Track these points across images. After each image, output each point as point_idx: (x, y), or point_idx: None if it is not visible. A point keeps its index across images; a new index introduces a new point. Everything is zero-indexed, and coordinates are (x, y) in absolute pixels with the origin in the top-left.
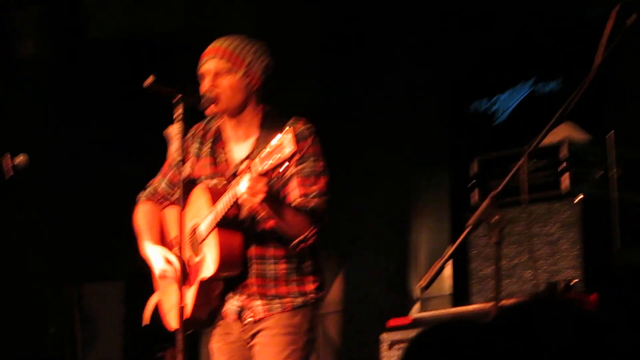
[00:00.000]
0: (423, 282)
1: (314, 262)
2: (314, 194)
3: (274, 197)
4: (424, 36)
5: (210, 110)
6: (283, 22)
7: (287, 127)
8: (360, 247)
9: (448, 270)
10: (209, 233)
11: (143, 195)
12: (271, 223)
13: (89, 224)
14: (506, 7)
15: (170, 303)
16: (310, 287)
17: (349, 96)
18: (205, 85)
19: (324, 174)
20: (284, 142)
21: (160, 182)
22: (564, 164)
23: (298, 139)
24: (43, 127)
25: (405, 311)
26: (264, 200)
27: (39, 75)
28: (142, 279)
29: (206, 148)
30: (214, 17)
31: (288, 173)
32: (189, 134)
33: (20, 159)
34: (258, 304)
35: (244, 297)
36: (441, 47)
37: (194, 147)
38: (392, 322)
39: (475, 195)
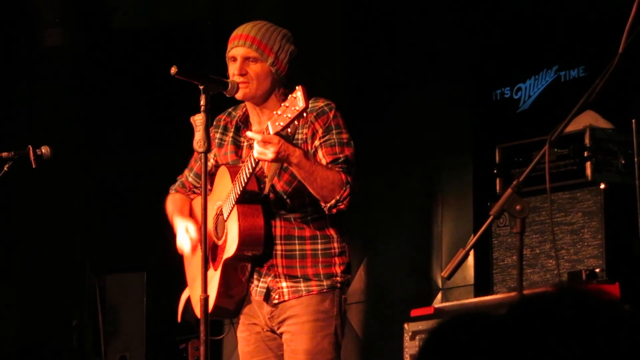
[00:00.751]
0: (445, 272)
1: (341, 244)
2: (341, 159)
3: (304, 156)
4: (446, 24)
5: (238, 95)
6: (308, 9)
7: (297, 87)
8: (383, 236)
9: (470, 259)
10: (231, 211)
11: (172, 188)
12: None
13: (111, 215)
14: None
15: (199, 293)
16: (337, 269)
17: (373, 85)
18: (234, 70)
19: (348, 145)
20: (294, 99)
21: (187, 176)
22: (587, 152)
23: (318, 114)
24: (68, 117)
25: (428, 301)
26: (279, 155)
27: (63, 65)
28: (164, 270)
29: (228, 137)
30: (238, 5)
31: (312, 147)
32: (213, 124)
33: (44, 150)
34: (284, 286)
35: (270, 278)
36: (464, 34)
37: (216, 138)
38: (415, 312)
39: (498, 184)
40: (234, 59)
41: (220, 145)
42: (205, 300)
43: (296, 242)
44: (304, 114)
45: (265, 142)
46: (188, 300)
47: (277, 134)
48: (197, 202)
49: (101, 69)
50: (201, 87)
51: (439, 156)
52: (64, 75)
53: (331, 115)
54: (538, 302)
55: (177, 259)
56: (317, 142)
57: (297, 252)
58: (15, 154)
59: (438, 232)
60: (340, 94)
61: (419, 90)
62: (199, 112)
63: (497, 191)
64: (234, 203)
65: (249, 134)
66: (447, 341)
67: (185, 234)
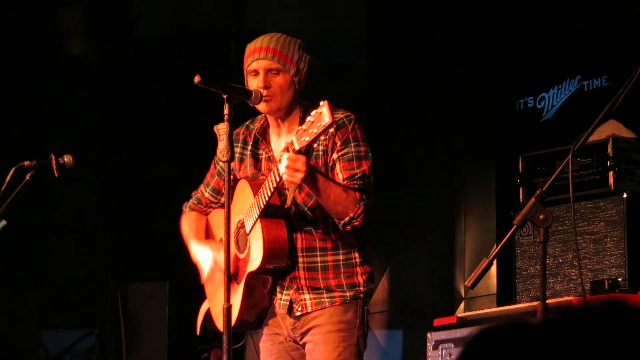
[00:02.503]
0: (469, 281)
1: (363, 253)
2: (357, 175)
3: (318, 173)
4: (470, 34)
5: (262, 109)
6: (332, 19)
7: (322, 102)
8: (406, 245)
9: (493, 269)
10: (254, 225)
11: (187, 206)
12: (316, 197)
13: (134, 224)
14: (554, 3)
15: (220, 306)
16: (360, 279)
17: (398, 96)
18: (258, 83)
19: (366, 157)
20: (320, 115)
21: (203, 192)
22: (610, 162)
23: (338, 126)
24: (91, 126)
25: (451, 310)
26: (305, 179)
27: (85, 74)
28: (187, 279)
29: (248, 151)
30: (261, 14)
31: (331, 160)
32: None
33: (67, 159)
34: (307, 298)
35: (292, 290)
36: (488, 44)
37: (236, 152)
38: (438, 322)
39: (521, 194)
40: (256, 72)
41: (242, 160)
42: (228, 309)
43: (318, 253)
44: (330, 130)
45: (293, 162)
46: (208, 312)
47: (301, 149)
48: (215, 215)
49: (124, 78)
50: (224, 96)
51: (463, 165)
52: (87, 84)
53: (350, 128)
54: (584, 313)
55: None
56: (335, 156)
57: (319, 264)
58: (38, 162)
59: (461, 241)
60: (364, 105)
61: (443, 100)
62: (222, 121)
63: (521, 200)
64: (257, 216)
65: (283, 154)
66: (484, 352)
67: (210, 263)
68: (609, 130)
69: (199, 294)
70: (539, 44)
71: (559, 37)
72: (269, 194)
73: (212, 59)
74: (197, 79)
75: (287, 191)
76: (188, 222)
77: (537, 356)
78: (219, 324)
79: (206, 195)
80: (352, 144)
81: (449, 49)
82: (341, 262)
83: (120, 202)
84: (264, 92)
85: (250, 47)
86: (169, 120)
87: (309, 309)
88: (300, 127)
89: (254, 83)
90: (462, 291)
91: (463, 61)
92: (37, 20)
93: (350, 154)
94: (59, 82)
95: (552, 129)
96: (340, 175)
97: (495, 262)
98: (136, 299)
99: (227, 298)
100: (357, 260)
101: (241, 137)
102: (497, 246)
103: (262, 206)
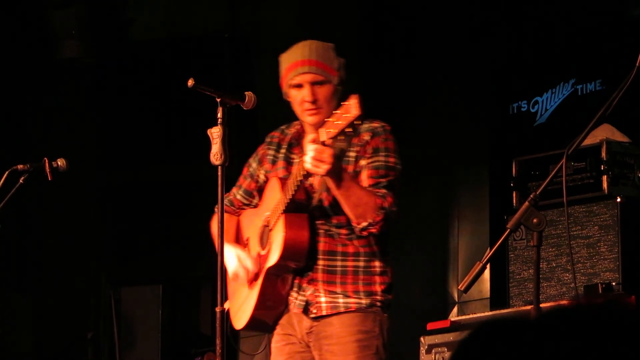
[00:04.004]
0: (462, 285)
1: (383, 263)
2: (382, 184)
3: (344, 172)
4: (463, 37)
5: (310, 121)
6: (326, 22)
7: (352, 95)
8: (399, 249)
9: (486, 273)
10: (277, 219)
11: (218, 207)
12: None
13: (128, 228)
14: (547, 7)
15: (237, 305)
16: (377, 288)
17: (390, 99)
18: (305, 97)
19: (394, 169)
20: (347, 107)
21: (235, 194)
22: (603, 166)
23: (373, 134)
24: (84, 129)
25: (444, 314)
26: (330, 172)
27: (79, 77)
28: (180, 283)
29: (281, 154)
30: (254, 18)
31: (359, 166)
32: (265, 142)
33: (60, 162)
34: (323, 301)
35: (309, 292)
36: (481, 48)
37: (269, 154)
38: (431, 325)
39: (514, 198)
40: (300, 85)
41: (274, 162)
42: (223, 312)
43: (339, 258)
44: (355, 123)
45: (319, 153)
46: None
47: (330, 146)
48: (246, 215)
49: (117, 81)
50: (218, 100)
51: (456, 169)
52: (80, 87)
53: (383, 138)
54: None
55: (193, 273)
56: (363, 162)
57: (339, 268)
58: (31, 166)
59: (454, 245)
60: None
61: (436, 104)
62: (216, 124)
63: (514, 204)
64: (280, 212)
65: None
66: (478, 350)
67: (235, 262)
68: (602, 134)
69: (193, 298)
70: (533, 48)
71: (552, 41)
72: (295, 189)
73: (206, 63)
74: (190, 82)
75: (315, 193)
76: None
77: (533, 352)
78: (234, 322)
79: (238, 197)
80: (382, 154)
81: (442, 53)
82: (361, 269)
83: (114, 206)
84: (311, 107)
85: (288, 59)
86: (162, 124)
87: (324, 312)
88: (328, 119)
89: (297, 96)
90: (456, 295)
91: (456, 65)
92: (30, 23)
93: (379, 163)
94: (52, 85)
95: (545, 133)
96: (366, 181)
97: (488, 266)
98: (129, 302)
99: (221, 301)
100: (377, 269)
101: (275, 140)
102: (490, 250)
103: (287, 201)
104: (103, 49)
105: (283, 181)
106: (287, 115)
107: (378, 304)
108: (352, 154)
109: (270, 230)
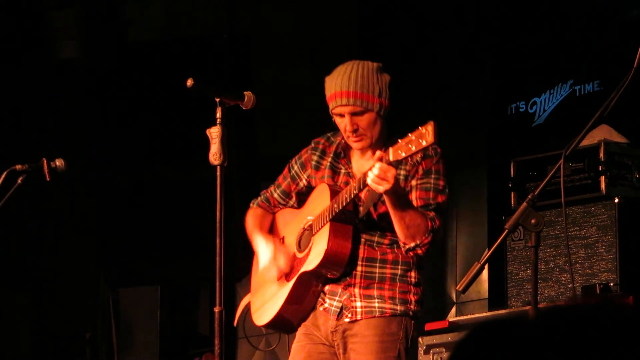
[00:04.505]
0: (460, 286)
1: (418, 275)
2: (432, 207)
3: (402, 191)
4: (462, 38)
5: (357, 147)
6: (323, 22)
7: (429, 122)
8: None
9: (484, 273)
10: (322, 227)
11: (254, 203)
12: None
13: (126, 229)
14: (546, 8)
15: (262, 301)
16: (412, 297)
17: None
18: (346, 127)
19: (443, 193)
20: (423, 134)
21: (273, 192)
22: (601, 167)
23: (424, 156)
24: (83, 130)
25: (442, 315)
26: (389, 192)
27: (78, 77)
28: (179, 284)
29: (326, 162)
30: (254, 18)
31: (409, 186)
32: (310, 146)
33: (59, 163)
34: (358, 305)
35: (345, 297)
36: (480, 49)
37: (314, 159)
38: (429, 326)
39: (513, 198)
40: (341, 114)
41: (317, 168)
42: (221, 313)
43: (377, 265)
44: (428, 149)
45: (384, 172)
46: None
47: (393, 164)
48: (282, 214)
49: (116, 82)
50: (217, 100)
51: (454, 170)
52: (79, 87)
53: (435, 160)
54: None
55: (191, 274)
56: (413, 182)
57: (377, 275)
58: (30, 166)
59: (452, 245)
60: None
61: (434, 104)
62: (215, 124)
63: (512, 205)
64: (328, 220)
65: (376, 163)
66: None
67: (269, 256)
68: (600, 135)
69: (190, 299)
70: (530, 48)
71: (550, 41)
72: (347, 201)
73: (205, 63)
74: (189, 82)
75: (362, 206)
76: (254, 217)
77: (530, 353)
78: (255, 318)
79: (275, 195)
80: (432, 176)
81: (440, 54)
82: (398, 277)
83: (113, 206)
84: (353, 135)
85: (330, 87)
86: (161, 124)
87: (359, 317)
88: (400, 140)
89: (341, 124)
90: (454, 296)
91: (454, 65)
92: (28, 24)
93: (429, 185)
94: (50, 85)
95: (543, 133)
96: (415, 202)
97: (486, 266)
98: (128, 303)
99: (220, 301)
100: (413, 279)
101: (320, 146)
102: (488, 251)
103: (337, 211)
104: (102, 50)
105: (333, 187)
106: (287, 115)
107: (410, 313)
108: (402, 172)
109: (313, 235)
